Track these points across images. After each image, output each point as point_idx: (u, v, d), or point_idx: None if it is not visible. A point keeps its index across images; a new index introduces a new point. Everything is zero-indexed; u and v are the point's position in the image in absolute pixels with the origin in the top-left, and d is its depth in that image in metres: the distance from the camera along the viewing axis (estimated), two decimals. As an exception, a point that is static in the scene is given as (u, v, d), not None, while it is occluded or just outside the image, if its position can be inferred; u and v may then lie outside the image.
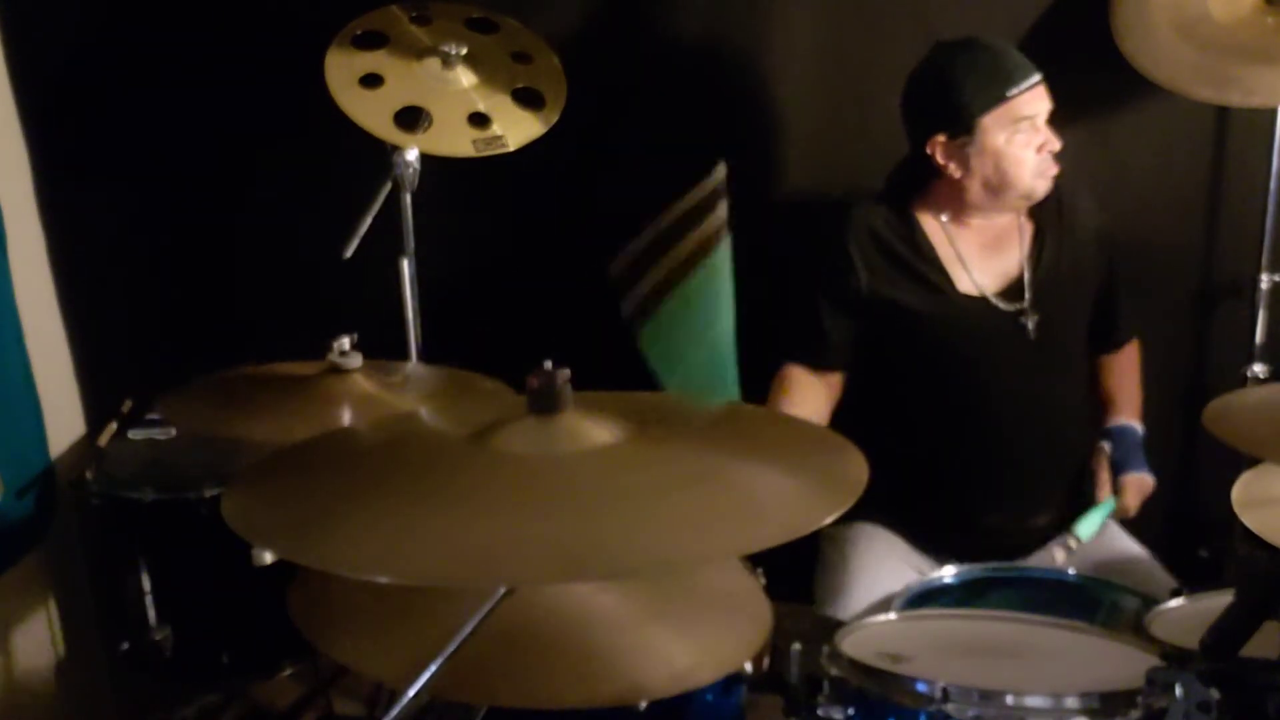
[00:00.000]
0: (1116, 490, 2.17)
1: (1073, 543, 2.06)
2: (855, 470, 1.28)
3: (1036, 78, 2.05)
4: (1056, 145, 2.09)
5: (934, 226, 2.17)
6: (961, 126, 2.06)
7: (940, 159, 2.10)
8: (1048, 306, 2.15)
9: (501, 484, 1.23)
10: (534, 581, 1.37)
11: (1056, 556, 2.05)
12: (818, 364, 2.20)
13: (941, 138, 2.09)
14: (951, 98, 2.06)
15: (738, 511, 1.21)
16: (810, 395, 2.18)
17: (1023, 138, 2.06)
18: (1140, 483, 2.19)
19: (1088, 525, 2.09)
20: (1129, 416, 2.27)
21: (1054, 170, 2.10)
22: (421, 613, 1.44)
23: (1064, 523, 2.14)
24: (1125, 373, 2.31)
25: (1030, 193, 2.11)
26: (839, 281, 2.15)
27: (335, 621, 1.50)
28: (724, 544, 1.20)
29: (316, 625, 1.51)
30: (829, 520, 1.17)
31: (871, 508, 1.66)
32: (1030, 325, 2.13)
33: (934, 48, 2.13)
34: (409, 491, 1.25)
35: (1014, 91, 2.04)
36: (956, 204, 2.16)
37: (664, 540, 1.15)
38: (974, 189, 2.12)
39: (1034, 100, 2.06)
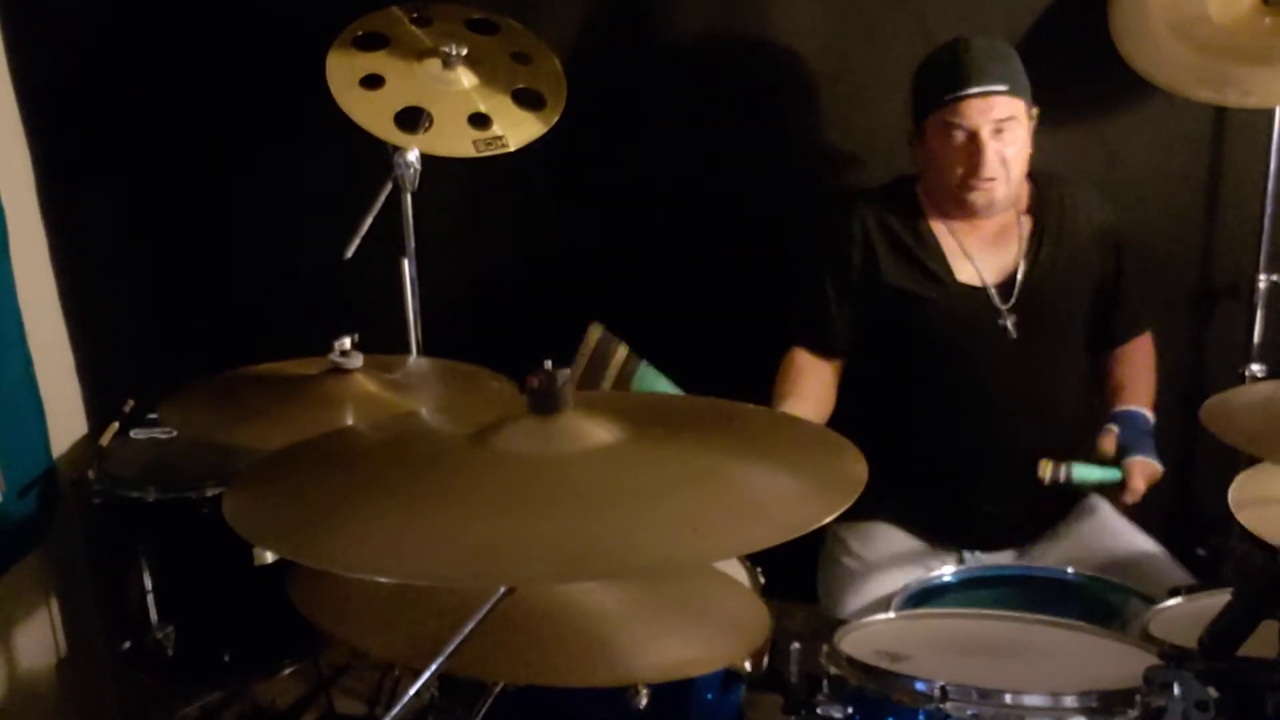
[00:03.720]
0: (1123, 470, 2.07)
1: (1062, 473, 2.03)
2: (855, 469, 1.28)
3: (987, 87, 2.00)
4: (989, 171, 2.03)
5: (937, 218, 2.19)
6: (915, 121, 2.12)
7: (911, 150, 2.16)
8: (1035, 304, 2.15)
9: (501, 484, 1.23)
10: (534, 581, 1.38)
11: (1042, 470, 2.03)
12: (822, 348, 2.22)
13: (912, 129, 2.15)
14: (914, 93, 2.13)
15: (738, 511, 1.21)
16: (815, 378, 2.21)
17: (955, 145, 2.04)
18: (1147, 466, 2.08)
19: (1084, 470, 2.05)
20: (1139, 403, 2.20)
21: (989, 184, 2.06)
22: (425, 594, 1.46)
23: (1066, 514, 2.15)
24: (1136, 363, 2.27)
25: (969, 204, 2.09)
26: (842, 265, 2.18)
27: (339, 604, 1.52)
28: (724, 544, 1.20)
29: (319, 608, 1.52)
30: (828, 519, 1.18)
31: (875, 503, 1.67)
32: (1009, 324, 2.13)
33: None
34: (409, 491, 1.25)
35: (952, 96, 2.01)
36: (933, 197, 2.18)
37: (664, 540, 1.15)
38: (926, 184, 2.17)
39: (980, 110, 2.01)
